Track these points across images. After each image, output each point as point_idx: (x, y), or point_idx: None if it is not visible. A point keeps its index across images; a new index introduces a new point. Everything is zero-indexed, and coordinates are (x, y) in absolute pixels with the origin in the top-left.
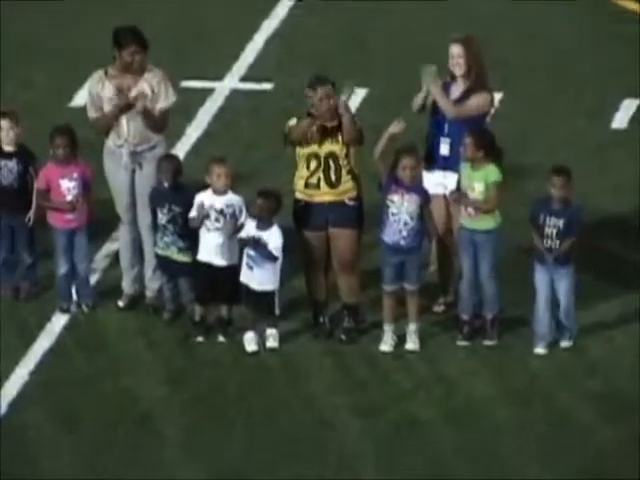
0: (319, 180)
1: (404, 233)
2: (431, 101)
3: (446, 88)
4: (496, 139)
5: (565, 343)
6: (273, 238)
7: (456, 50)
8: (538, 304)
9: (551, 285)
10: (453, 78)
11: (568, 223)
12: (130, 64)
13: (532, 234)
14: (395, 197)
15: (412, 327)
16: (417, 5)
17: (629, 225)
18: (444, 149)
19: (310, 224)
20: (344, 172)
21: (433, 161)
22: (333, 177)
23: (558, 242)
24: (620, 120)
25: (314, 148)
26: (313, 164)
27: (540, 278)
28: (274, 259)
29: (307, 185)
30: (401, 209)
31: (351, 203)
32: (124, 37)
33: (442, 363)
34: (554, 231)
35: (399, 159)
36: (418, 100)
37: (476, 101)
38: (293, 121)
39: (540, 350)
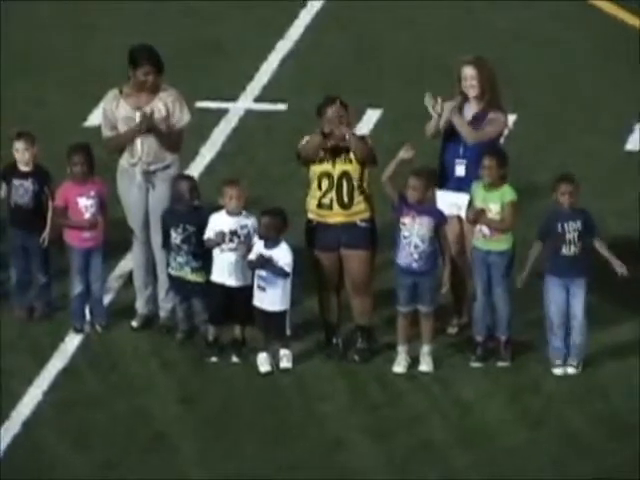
0: (332, 201)
1: (415, 256)
2: (444, 125)
3: (459, 111)
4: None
5: (571, 370)
6: (282, 255)
7: (469, 72)
8: (551, 319)
9: (566, 299)
10: (466, 99)
11: (587, 224)
12: (144, 83)
13: (544, 248)
14: (406, 220)
15: (426, 349)
16: (433, 22)
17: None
18: (460, 170)
19: (322, 245)
20: (357, 193)
21: (447, 182)
22: (346, 198)
23: (580, 246)
24: (635, 142)
25: (327, 167)
26: (325, 184)
27: (555, 292)
28: (286, 275)
29: (320, 205)
30: (412, 232)
31: (363, 224)
32: (139, 56)
33: (456, 385)
34: (575, 235)
35: (408, 180)
36: (431, 128)
37: (493, 123)
38: (306, 139)
39: (558, 371)
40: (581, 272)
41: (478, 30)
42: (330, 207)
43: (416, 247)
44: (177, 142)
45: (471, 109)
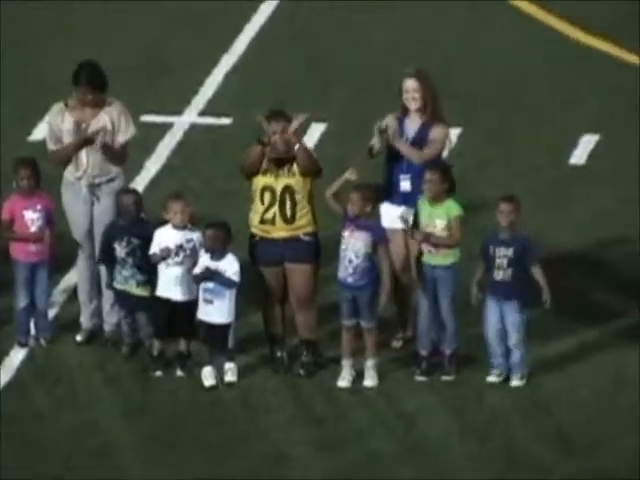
0: (274, 216)
1: (350, 270)
2: (386, 143)
3: (400, 124)
4: (453, 173)
5: (515, 382)
6: (230, 265)
7: (411, 84)
8: (489, 338)
9: (501, 319)
10: (406, 112)
11: (518, 252)
12: (83, 102)
13: (480, 267)
14: (345, 233)
15: (370, 363)
16: (377, 36)
17: (587, 261)
18: (405, 186)
19: (266, 259)
20: (300, 207)
21: (393, 197)
22: (289, 212)
23: (510, 272)
24: (579, 156)
25: (270, 181)
26: (268, 198)
27: (490, 312)
28: (235, 285)
29: (262, 221)
30: (348, 246)
31: (307, 238)
32: (79, 76)
33: (400, 399)
34: (505, 261)
35: (350, 194)
36: (373, 151)
37: (437, 140)
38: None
39: (492, 379)
40: (512, 296)
41: (424, 44)
42: (273, 222)
43: (350, 261)
44: (122, 156)
45: (413, 122)
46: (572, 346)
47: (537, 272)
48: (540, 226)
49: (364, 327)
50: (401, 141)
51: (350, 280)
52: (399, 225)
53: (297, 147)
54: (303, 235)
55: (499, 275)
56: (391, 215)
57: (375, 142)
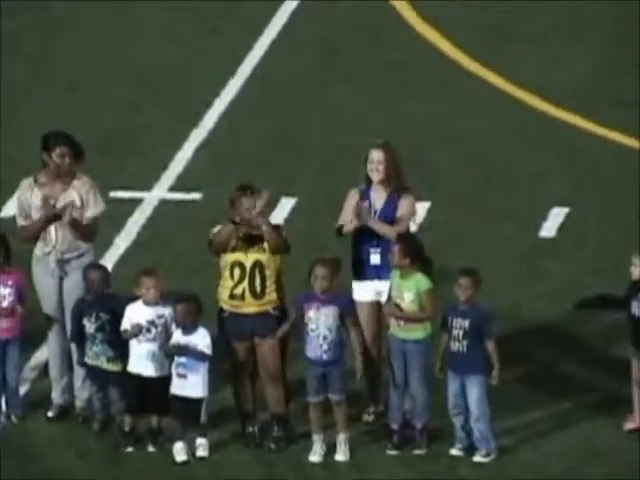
0: (244, 291)
1: (325, 347)
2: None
3: (366, 196)
4: (425, 247)
5: (478, 458)
6: (201, 339)
7: (376, 155)
8: (449, 410)
9: (461, 392)
10: (370, 182)
11: (474, 324)
12: (59, 168)
13: (442, 338)
14: (311, 313)
15: (341, 437)
16: (347, 109)
17: (559, 332)
18: (375, 259)
19: (236, 334)
20: (269, 282)
21: (364, 271)
22: (258, 288)
23: (465, 344)
24: (549, 228)
25: (239, 256)
26: (237, 273)
27: (450, 384)
28: (206, 358)
29: (232, 296)
30: (319, 324)
31: (276, 312)
32: (54, 139)
33: (372, 472)
34: (460, 332)
35: (312, 268)
36: (343, 230)
37: (407, 211)
38: (217, 228)
39: (454, 452)
40: (470, 369)
41: (394, 117)
42: (242, 297)
43: (325, 338)
44: (91, 231)
45: (378, 195)
46: (543, 418)
47: (490, 346)
48: (509, 297)
49: (334, 401)
50: (374, 220)
51: (325, 357)
52: (369, 298)
53: (264, 228)
54: (272, 309)
55: (455, 346)
56: (362, 289)
57: (347, 224)
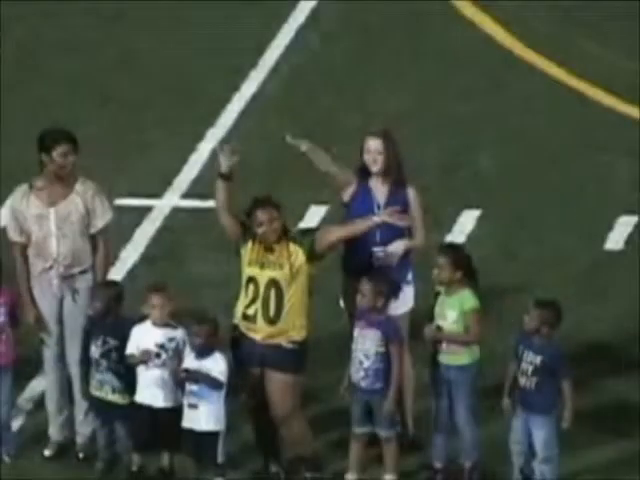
0: (256, 312)
1: (361, 373)
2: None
3: (364, 190)
4: (472, 260)
5: None
6: (215, 364)
7: (374, 144)
8: (510, 448)
9: (526, 429)
10: (364, 174)
11: (547, 363)
12: (62, 168)
13: (511, 368)
14: (355, 331)
15: (388, 478)
16: (386, 105)
17: (627, 359)
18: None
19: (246, 357)
20: (287, 306)
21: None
22: (272, 311)
23: (534, 381)
24: (615, 240)
25: (255, 272)
26: (251, 291)
27: (515, 420)
28: (220, 386)
29: (245, 316)
30: (357, 346)
31: (289, 346)
32: (54, 136)
33: None
34: (530, 368)
35: (361, 284)
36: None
37: (419, 206)
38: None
39: None
40: (538, 408)
41: (442, 118)
42: (254, 320)
43: (361, 363)
44: (108, 248)
45: (379, 187)
46: (612, 460)
47: (567, 387)
48: (573, 318)
49: (382, 436)
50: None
51: (363, 384)
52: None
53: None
54: (286, 343)
55: (523, 381)
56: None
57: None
